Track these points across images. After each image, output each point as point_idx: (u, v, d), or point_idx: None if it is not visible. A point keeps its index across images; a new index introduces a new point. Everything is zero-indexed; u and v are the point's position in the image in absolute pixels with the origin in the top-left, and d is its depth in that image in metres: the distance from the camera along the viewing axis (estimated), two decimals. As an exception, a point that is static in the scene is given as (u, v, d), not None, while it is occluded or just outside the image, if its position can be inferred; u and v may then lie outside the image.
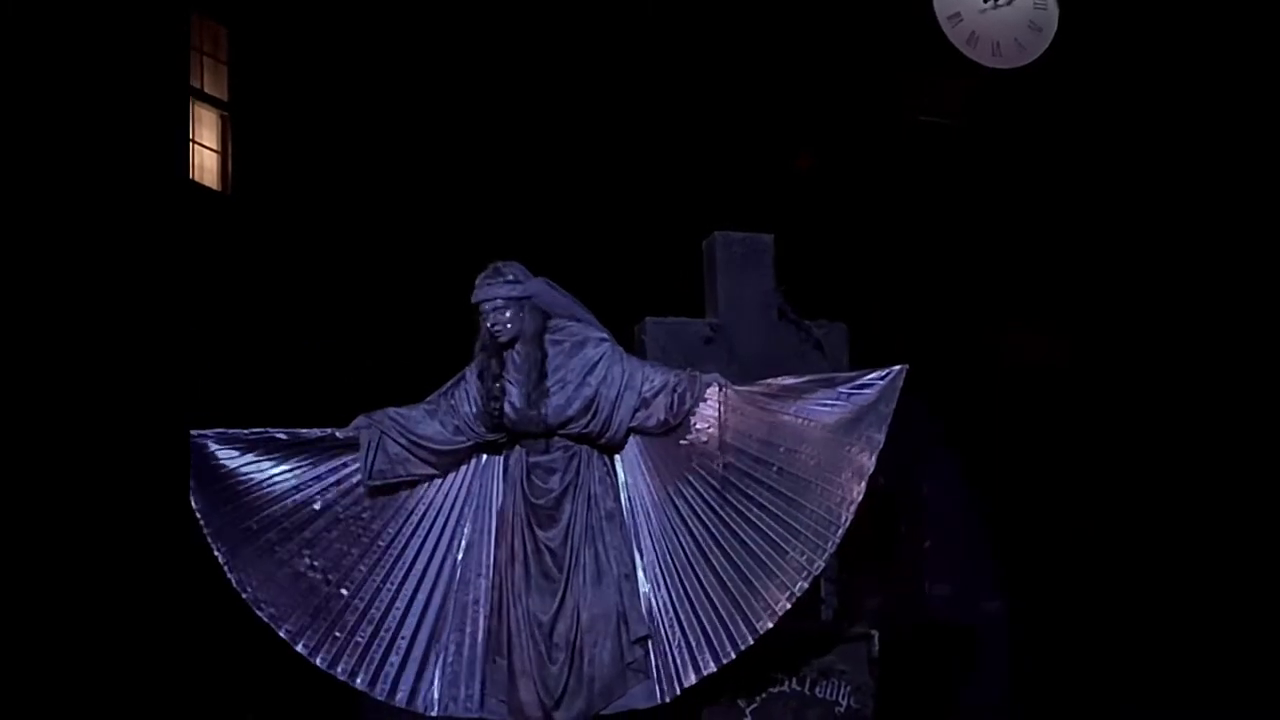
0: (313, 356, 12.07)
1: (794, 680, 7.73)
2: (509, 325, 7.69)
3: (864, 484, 7.25)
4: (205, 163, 12.40)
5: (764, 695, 7.68)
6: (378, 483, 7.72)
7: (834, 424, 7.39)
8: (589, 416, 7.63)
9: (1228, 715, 10.75)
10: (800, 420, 7.46)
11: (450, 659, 7.70)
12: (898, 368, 7.36)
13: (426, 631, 7.73)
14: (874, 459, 7.25)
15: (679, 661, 7.52)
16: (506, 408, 7.64)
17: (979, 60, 11.45)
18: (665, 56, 12.45)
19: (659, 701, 7.54)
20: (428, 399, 7.81)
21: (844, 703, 7.79)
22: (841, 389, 7.43)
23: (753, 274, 8.53)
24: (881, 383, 7.35)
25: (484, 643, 7.66)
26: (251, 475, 7.70)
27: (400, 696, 7.66)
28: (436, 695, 7.68)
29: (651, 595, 7.62)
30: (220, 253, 12.03)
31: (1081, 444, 11.64)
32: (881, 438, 7.27)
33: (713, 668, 7.43)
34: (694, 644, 7.48)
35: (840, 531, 7.30)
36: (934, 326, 11.63)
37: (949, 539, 11.19)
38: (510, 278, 7.72)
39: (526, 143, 12.59)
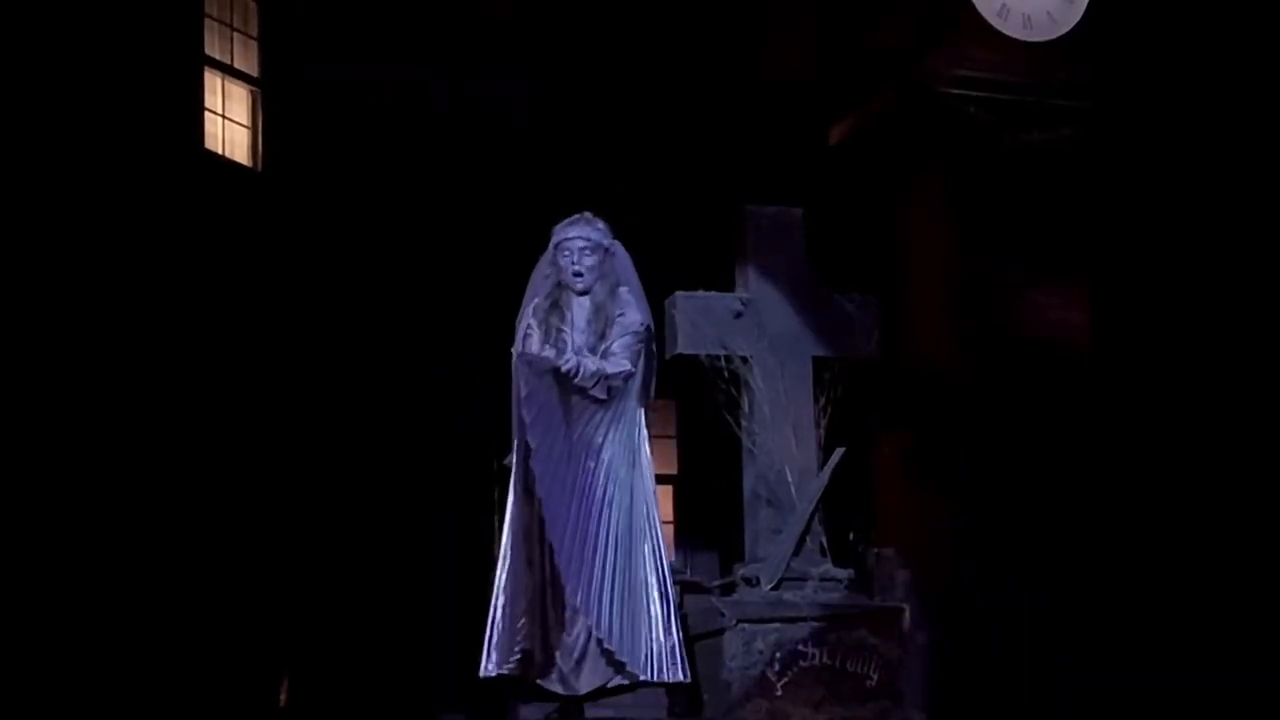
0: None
1: (825, 654, 7.74)
2: (589, 271, 7.74)
3: None
4: (235, 138, 12.41)
5: (795, 669, 7.70)
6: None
7: None
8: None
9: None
10: None
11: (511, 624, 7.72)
12: None
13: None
14: None
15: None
16: (563, 361, 7.64)
17: (1010, 33, 11.41)
18: (695, 29, 12.43)
19: (685, 679, 7.60)
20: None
21: (874, 676, 7.81)
22: None
23: (783, 248, 8.54)
24: None
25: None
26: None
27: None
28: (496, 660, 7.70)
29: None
30: (251, 228, 12.05)
31: (1108, 416, 11.61)
32: None
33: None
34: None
35: None
36: (964, 297, 11.59)
37: (979, 513, 11.17)
38: (600, 226, 7.82)
39: (559, 121, 12.59)
